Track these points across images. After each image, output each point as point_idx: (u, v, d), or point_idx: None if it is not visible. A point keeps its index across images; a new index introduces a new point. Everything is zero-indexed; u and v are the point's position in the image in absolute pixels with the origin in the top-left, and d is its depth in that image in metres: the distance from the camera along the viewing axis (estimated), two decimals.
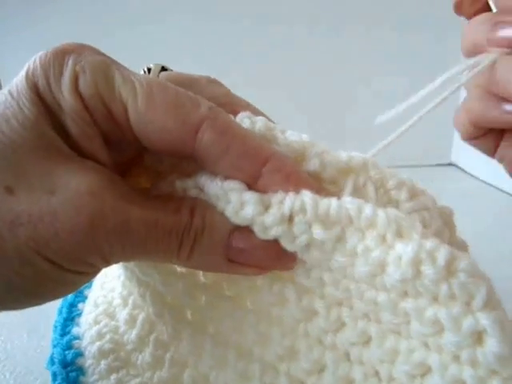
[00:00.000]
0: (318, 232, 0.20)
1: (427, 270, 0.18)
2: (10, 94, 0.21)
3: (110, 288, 0.34)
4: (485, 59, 0.24)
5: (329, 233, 0.20)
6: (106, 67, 0.21)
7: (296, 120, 0.68)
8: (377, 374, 0.22)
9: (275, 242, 0.21)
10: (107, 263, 0.21)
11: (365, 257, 0.19)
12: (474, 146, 0.30)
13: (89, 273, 0.22)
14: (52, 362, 0.29)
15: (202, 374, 0.26)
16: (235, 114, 0.23)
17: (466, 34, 0.26)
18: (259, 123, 0.23)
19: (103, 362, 0.28)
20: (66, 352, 0.30)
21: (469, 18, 0.27)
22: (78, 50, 0.22)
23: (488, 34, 0.24)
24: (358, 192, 0.22)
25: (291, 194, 0.21)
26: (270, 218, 0.20)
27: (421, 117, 0.24)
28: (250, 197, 0.21)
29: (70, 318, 0.33)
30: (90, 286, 0.36)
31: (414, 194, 0.23)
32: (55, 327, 0.32)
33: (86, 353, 0.29)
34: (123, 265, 0.29)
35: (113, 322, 0.30)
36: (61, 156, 0.20)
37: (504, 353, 0.17)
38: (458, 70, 0.24)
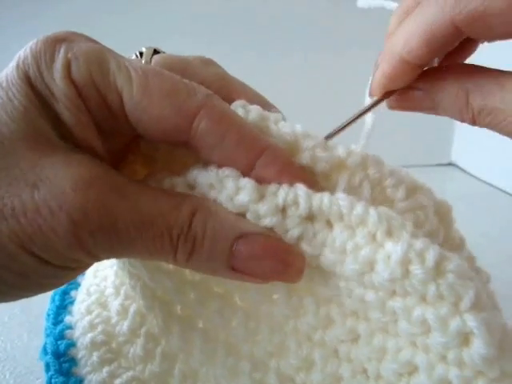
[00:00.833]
0: (309, 226, 0.20)
1: (416, 269, 0.18)
2: (0, 84, 0.20)
3: (103, 276, 0.33)
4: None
5: (319, 228, 0.20)
6: (99, 54, 0.21)
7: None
8: (365, 371, 0.22)
9: (281, 252, 0.20)
10: (96, 259, 0.21)
11: (354, 254, 0.19)
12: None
13: (77, 268, 0.21)
14: (45, 351, 0.29)
15: (193, 369, 0.26)
16: (230, 99, 0.23)
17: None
18: (253, 113, 0.23)
19: (95, 354, 0.28)
20: (59, 342, 0.30)
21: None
22: (70, 37, 0.21)
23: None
24: (352, 189, 0.22)
25: (285, 186, 0.21)
26: (264, 207, 0.20)
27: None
28: (247, 182, 0.20)
29: (62, 305, 0.33)
30: (83, 274, 0.36)
31: (411, 192, 0.23)
32: (48, 315, 0.32)
33: (79, 344, 0.29)
34: None
35: (105, 313, 0.30)
36: (49, 147, 0.20)
37: (490, 354, 0.17)
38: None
